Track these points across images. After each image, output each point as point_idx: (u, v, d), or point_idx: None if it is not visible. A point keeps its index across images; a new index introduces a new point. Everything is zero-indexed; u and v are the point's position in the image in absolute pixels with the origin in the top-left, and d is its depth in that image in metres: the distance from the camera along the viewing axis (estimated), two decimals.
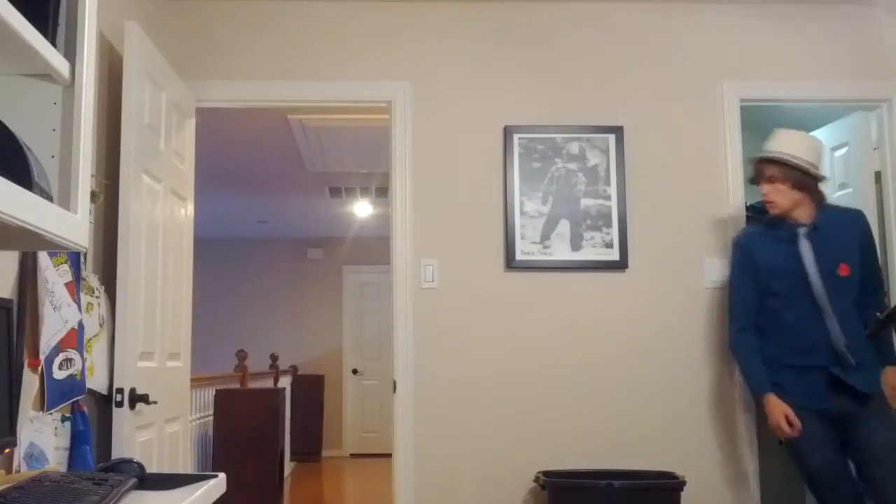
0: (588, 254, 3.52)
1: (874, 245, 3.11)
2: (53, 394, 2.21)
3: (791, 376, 3.03)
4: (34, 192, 1.18)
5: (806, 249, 3.02)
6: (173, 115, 3.16)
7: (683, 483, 3.13)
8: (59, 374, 2.24)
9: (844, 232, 3.05)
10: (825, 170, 3.10)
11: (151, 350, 2.86)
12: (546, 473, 3.26)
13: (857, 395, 2.95)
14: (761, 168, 3.10)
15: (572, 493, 3.14)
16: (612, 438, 3.45)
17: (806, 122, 4.35)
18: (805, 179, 3.03)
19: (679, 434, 3.46)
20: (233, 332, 9.72)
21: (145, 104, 2.83)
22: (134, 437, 2.67)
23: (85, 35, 1.40)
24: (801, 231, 3.04)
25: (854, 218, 3.09)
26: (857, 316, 3.01)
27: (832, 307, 2.98)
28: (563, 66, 3.65)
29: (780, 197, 3.05)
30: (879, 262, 3.13)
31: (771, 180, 3.07)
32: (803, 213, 3.06)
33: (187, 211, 3.34)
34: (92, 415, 2.59)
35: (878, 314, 2.74)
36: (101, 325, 2.62)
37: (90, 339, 2.52)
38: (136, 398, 2.66)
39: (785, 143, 3.08)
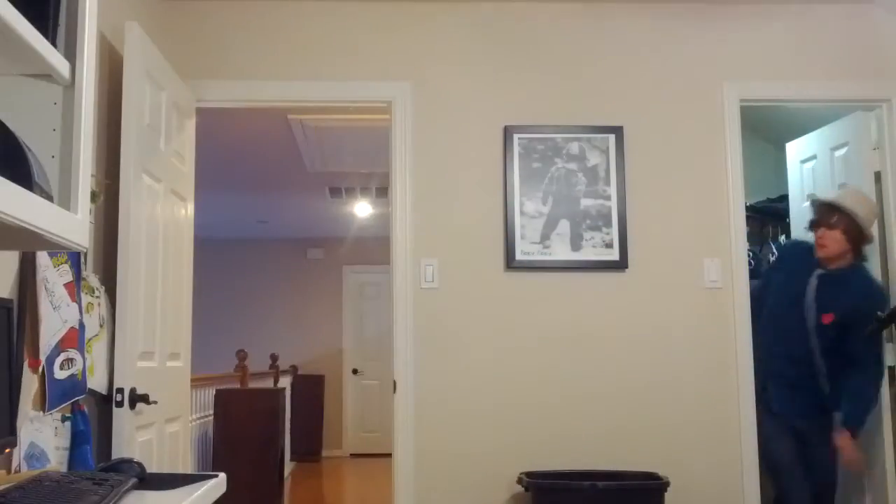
0: (588, 254, 3.52)
1: (868, 320, 3.04)
2: (54, 394, 2.21)
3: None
4: (34, 192, 1.18)
5: (811, 288, 3.28)
6: (173, 115, 3.16)
7: (667, 484, 3.13)
8: (60, 374, 2.24)
9: (847, 293, 3.21)
10: (871, 224, 3.29)
11: (151, 350, 2.86)
12: (529, 475, 3.25)
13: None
14: (825, 212, 3.25)
15: (556, 495, 3.13)
16: (611, 438, 3.45)
17: (806, 122, 4.35)
18: (859, 237, 3.22)
19: (678, 434, 3.46)
20: (233, 332, 9.72)
21: (145, 104, 2.82)
22: (134, 437, 2.67)
23: (85, 35, 1.40)
24: (818, 272, 3.28)
25: (865, 293, 3.21)
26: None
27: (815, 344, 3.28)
28: (563, 66, 3.65)
29: (834, 245, 3.22)
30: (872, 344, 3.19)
31: (832, 227, 3.22)
32: (841, 263, 3.25)
33: (187, 211, 3.34)
34: (92, 415, 2.59)
35: (878, 313, 2.74)
36: (101, 325, 2.62)
37: (90, 339, 2.52)
38: (137, 398, 2.66)
39: (853, 200, 3.24)
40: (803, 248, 3.39)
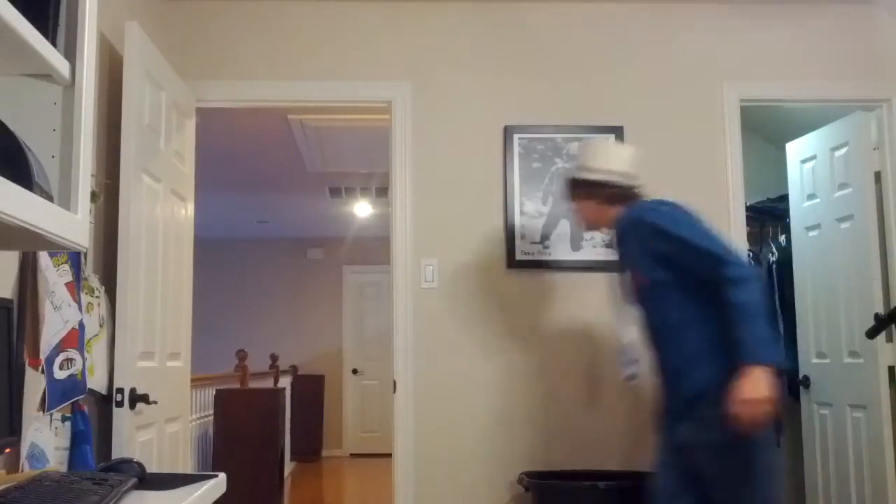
0: (588, 254, 3.52)
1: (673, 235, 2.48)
2: (54, 394, 2.21)
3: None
4: (34, 192, 1.18)
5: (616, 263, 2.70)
6: (173, 115, 3.16)
7: None
8: (59, 374, 2.24)
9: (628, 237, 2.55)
10: (624, 171, 2.63)
11: (151, 350, 2.87)
12: (529, 474, 3.24)
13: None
14: (566, 187, 2.74)
15: (556, 495, 3.12)
16: (612, 438, 3.45)
17: (806, 122, 4.35)
18: (587, 189, 2.63)
19: None
20: (233, 332, 9.72)
21: (145, 104, 2.83)
22: (134, 437, 2.67)
23: (85, 35, 1.40)
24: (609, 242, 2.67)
25: (630, 224, 2.51)
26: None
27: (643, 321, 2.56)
28: (563, 66, 3.65)
29: (590, 213, 2.67)
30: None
31: (575, 199, 2.70)
32: (610, 222, 2.63)
33: (187, 211, 3.34)
34: (92, 415, 2.59)
35: (877, 313, 2.72)
36: (101, 325, 2.62)
37: (90, 339, 2.52)
38: (137, 398, 2.66)
39: (585, 158, 2.70)
40: None
